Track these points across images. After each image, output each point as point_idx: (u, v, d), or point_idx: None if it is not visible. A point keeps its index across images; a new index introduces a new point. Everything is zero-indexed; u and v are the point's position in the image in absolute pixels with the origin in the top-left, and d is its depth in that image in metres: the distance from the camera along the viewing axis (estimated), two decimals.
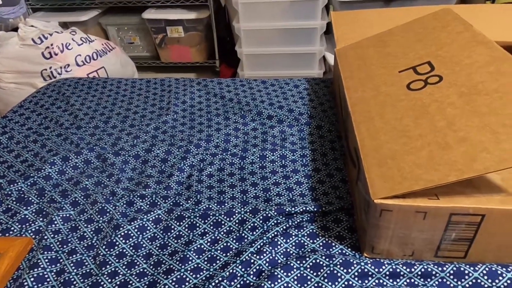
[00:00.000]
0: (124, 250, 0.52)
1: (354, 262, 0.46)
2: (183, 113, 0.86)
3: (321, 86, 0.91)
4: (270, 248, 0.49)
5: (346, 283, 0.44)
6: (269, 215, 0.54)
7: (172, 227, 0.55)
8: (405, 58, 0.63)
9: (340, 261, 0.46)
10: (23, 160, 0.71)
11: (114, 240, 0.52)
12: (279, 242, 0.50)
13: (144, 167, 0.69)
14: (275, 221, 0.54)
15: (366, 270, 0.45)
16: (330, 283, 0.44)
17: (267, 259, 0.48)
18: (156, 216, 0.56)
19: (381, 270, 0.45)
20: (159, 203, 0.59)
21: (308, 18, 1.54)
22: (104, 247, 0.52)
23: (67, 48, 1.33)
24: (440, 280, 0.44)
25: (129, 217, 0.56)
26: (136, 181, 0.65)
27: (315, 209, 0.55)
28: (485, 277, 0.43)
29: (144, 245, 0.52)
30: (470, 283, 0.43)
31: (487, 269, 0.44)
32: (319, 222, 0.54)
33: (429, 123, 0.47)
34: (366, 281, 0.45)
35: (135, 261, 0.50)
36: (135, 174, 0.67)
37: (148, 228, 0.55)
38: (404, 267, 0.45)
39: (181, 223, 0.55)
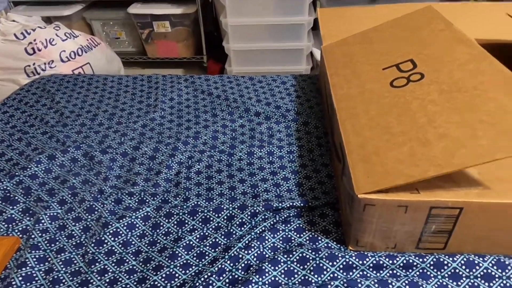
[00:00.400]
0: (113, 248, 0.52)
1: (339, 255, 0.47)
2: (170, 110, 0.86)
3: (308, 83, 0.93)
4: (258, 243, 0.50)
5: (331, 275, 0.46)
6: (257, 210, 0.55)
7: (161, 224, 0.55)
8: (389, 55, 0.64)
9: (326, 254, 0.47)
10: (7, 159, 0.71)
11: (103, 238, 0.53)
12: (266, 237, 0.51)
13: (132, 165, 0.69)
14: (263, 217, 0.55)
15: (350, 262, 0.47)
16: (316, 276, 0.46)
17: (255, 254, 0.49)
18: (145, 214, 0.56)
19: (365, 262, 0.47)
20: (147, 200, 0.60)
21: (295, 14, 1.55)
22: (92, 245, 0.52)
23: (50, 43, 1.30)
24: (421, 270, 0.46)
25: (117, 214, 0.56)
26: (124, 178, 0.65)
27: (302, 204, 0.56)
28: (463, 267, 0.45)
29: (133, 242, 0.53)
30: (449, 272, 0.45)
31: (465, 259, 0.46)
32: (306, 217, 0.55)
33: (411, 120, 0.49)
34: (351, 273, 0.46)
35: (124, 258, 0.51)
36: (123, 171, 0.67)
37: (137, 225, 0.55)
38: (387, 259, 0.47)
39: (170, 220, 0.55)
